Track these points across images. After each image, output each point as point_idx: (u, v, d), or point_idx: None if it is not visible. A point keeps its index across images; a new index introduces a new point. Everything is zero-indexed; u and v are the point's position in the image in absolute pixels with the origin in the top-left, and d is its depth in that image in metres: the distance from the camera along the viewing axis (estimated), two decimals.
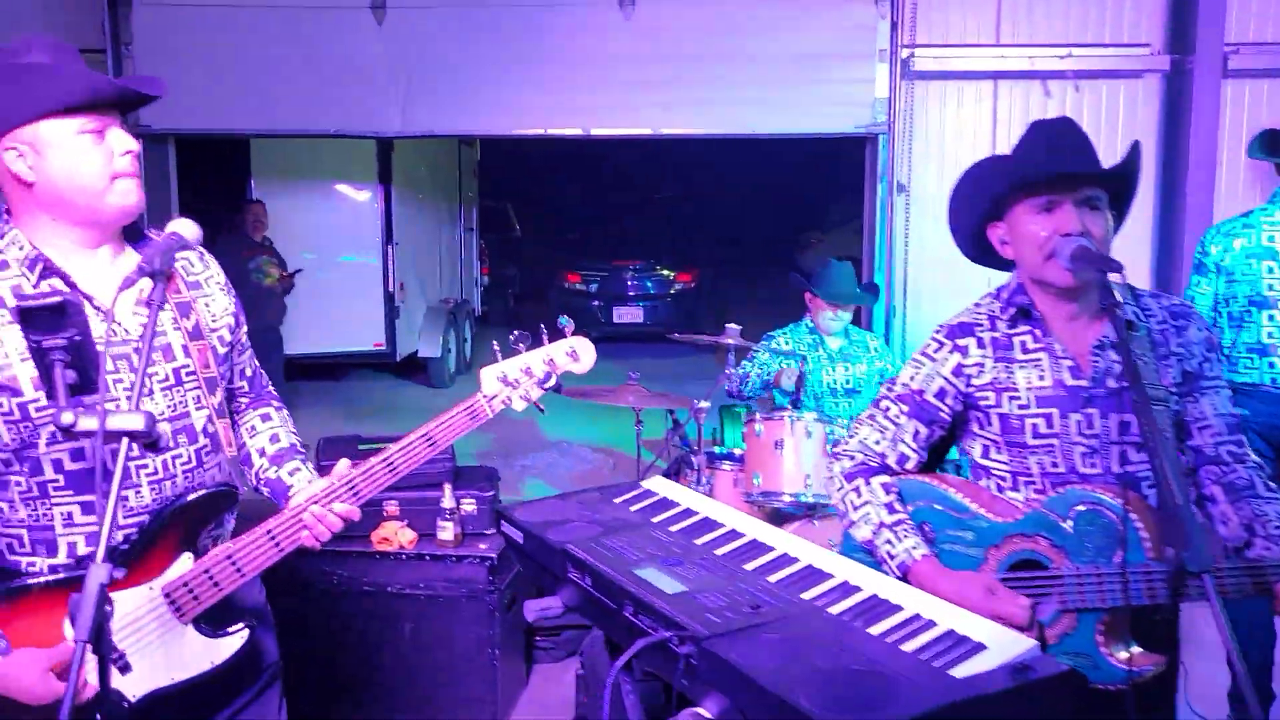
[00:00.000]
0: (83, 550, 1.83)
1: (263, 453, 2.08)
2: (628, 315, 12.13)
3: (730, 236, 16.94)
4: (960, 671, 1.48)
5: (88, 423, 1.50)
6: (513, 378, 2.07)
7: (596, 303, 12.17)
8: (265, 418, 2.15)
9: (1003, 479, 2.01)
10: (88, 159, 1.77)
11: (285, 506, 1.95)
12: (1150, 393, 1.69)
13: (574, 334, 2.12)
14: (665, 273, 12.33)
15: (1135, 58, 5.87)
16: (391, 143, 8.96)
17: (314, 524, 1.91)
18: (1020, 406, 1.96)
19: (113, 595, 1.69)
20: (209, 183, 8.44)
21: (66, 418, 1.50)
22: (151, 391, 1.84)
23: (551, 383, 2.11)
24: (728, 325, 4.14)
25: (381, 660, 3.54)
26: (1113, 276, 1.76)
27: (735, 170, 18.48)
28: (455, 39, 5.62)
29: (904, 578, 1.95)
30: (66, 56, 1.78)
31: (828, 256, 4.83)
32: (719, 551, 1.99)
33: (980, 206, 2.01)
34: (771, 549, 1.97)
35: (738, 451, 4.11)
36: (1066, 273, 1.87)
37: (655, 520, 2.21)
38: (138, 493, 1.83)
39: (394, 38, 5.63)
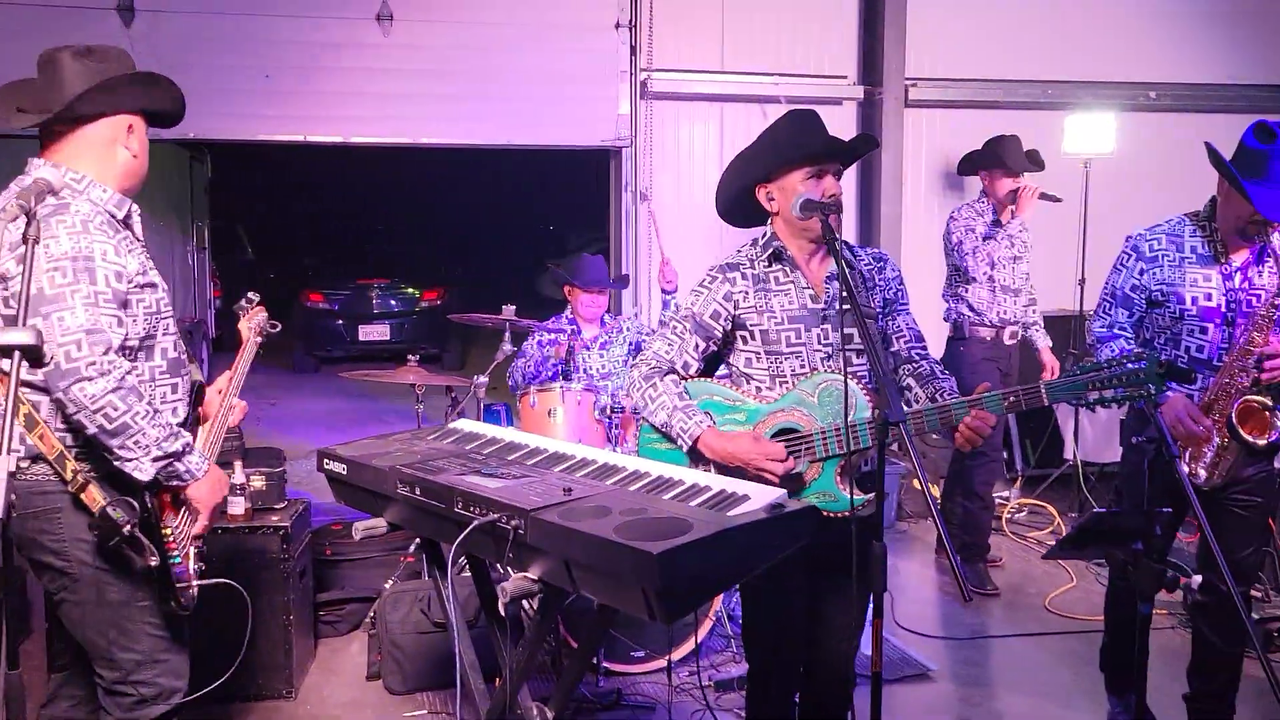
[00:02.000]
0: (174, 419, 2.38)
1: None
2: (373, 333, 12.17)
3: (477, 258, 17.27)
4: (733, 513, 1.94)
5: None
6: (254, 325, 2.82)
7: (340, 322, 12.12)
8: None
9: (762, 381, 2.55)
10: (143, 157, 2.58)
11: None
12: (866, 310, 2.26)
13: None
14: (411, 291, 12.44)
15: (836, 86, 6.79)
16: None
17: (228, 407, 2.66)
18: (776, 324, 2.52)
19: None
20: None
21: None
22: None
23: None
24: (504, 305, 4.53)
25: None
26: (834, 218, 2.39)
27: (481, 193, 18.82)
28: (208, 45, 5.68)
29: (694, 445, 2.46)
30: None
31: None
32: (529, 462, 2.37)
33: (756, 173, 2.57)
34: (572, 456, 2.38)
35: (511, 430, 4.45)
36: (815, 220, 2.41)
37: (468, 448, 2.56)
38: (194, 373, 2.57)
39: (143, 40, 5.60)
